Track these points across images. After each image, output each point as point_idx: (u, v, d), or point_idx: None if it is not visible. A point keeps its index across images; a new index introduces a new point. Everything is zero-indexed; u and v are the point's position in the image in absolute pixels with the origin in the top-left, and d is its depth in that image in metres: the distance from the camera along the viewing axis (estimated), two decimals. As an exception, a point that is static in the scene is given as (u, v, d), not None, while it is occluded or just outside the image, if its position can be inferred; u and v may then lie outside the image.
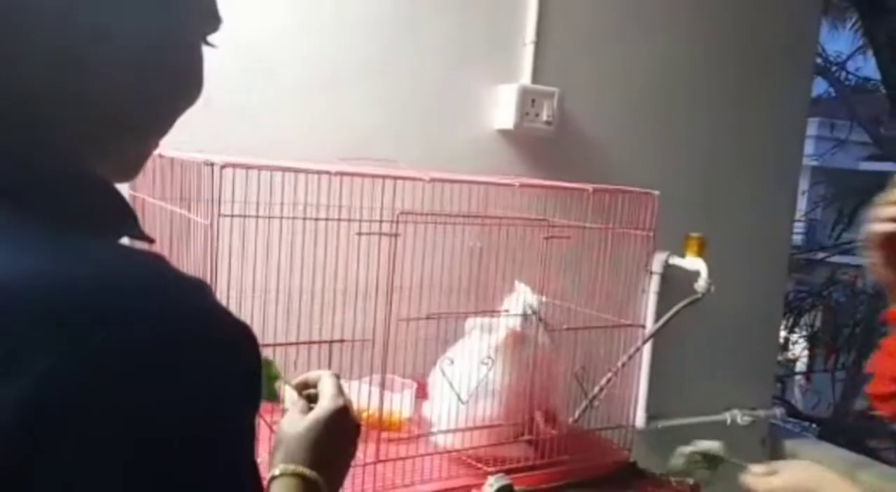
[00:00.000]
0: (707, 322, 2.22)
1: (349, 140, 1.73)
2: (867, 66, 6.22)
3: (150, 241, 0.62)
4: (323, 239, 1.28)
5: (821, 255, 6.35)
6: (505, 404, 1.41)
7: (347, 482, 1.25)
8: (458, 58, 1.91)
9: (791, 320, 5.42)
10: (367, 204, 1.28)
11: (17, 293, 0.46)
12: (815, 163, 9.33)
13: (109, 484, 0.45)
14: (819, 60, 5.59)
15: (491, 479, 1.33)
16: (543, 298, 1.45)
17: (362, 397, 1.37)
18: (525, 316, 1.43)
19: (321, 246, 1.28)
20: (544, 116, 1.97)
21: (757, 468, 1.18)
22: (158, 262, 0.52)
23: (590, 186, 1.51)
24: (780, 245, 2.62)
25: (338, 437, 0.81)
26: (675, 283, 2.09)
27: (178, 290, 0.51)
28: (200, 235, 1.15)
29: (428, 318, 1.34)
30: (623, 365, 1.64)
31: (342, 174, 1.24)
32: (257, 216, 1.18)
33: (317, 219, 1.25)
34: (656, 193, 1.57)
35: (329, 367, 1.21)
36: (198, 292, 0.52)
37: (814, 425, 5.08)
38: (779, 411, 2.66)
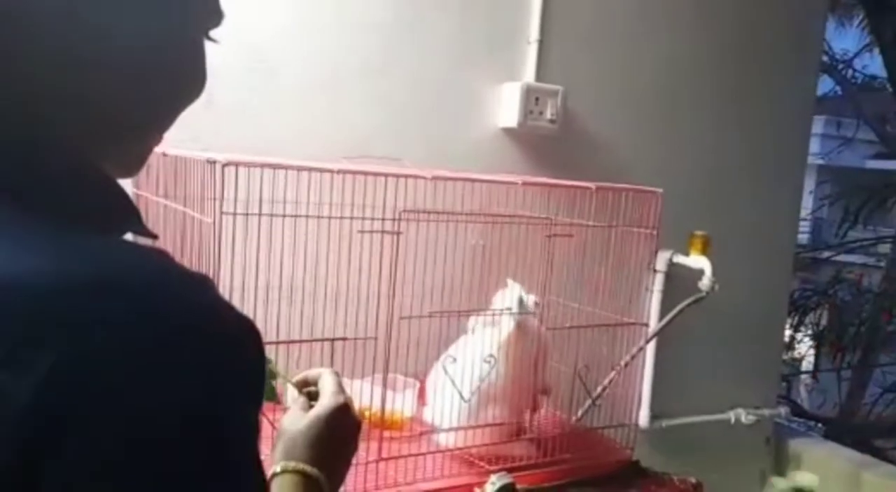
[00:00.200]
0: (711, 321, 2.21)
1: (353, 139, 1.73)
2: (874, 64, 6.19)
3: (154, 237, 0.61)
4: (325, 237, 1.28)
5: (826, 253, 6.33)
6: (507, 402, 1.41)
7: (350, 480, 1.25)
8: (462, 56, 1.91)
9: (796, 319, 5.40)
10: (370, 202, 1.28)
11: (18, 291, 0.46)
12: (821, 161, 9.29)
13: (112, 484, 0.45)
14: (825, 58, 5.57)
15: (493, 477, 1.33)
16: (533, 297, 1.45)
17: (364, 395, 1.37)
18: (524, 312, 1.43)
19: (323, 244, 1.29)
20: (548, 115, 1.97)
21: None
22: (162, 258, 0.52)
23: (593, 185, 1.51)
24: (785, 243, 2.62)
25: (339, 434, 0.81)
26: (679, 281, 2.08)
27: (181, 286, 0.51)
28: (204, 233, 1.16)
29: (430, 316, 1.34)
30: (626, 364, 1.64)
31: (344, 172, 1.24)
32: (260, 214, 1.18)
33: (319, 217, 1.25)
34: (660, 191, 1.56)
35: (331, 365, 1.21)
36: (201, 288, 0.52)
37: (819, 425, 5.07)
38: (783, 410, 2.65)
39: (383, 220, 1.23)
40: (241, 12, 1.64)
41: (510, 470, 1.37)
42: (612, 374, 1.64)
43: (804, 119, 2.58)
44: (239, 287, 1.20)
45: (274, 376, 0.91)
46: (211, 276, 1.11)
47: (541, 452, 1.45)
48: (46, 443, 0.44)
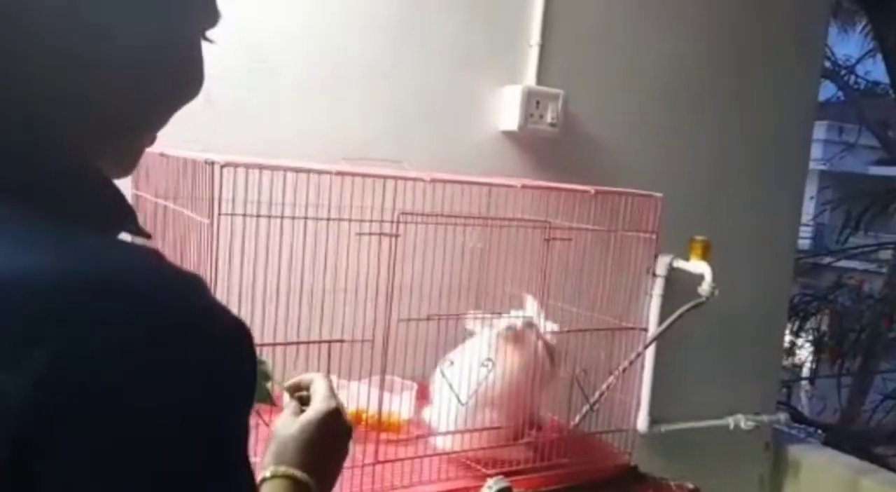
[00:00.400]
0: (711, 326, 2.21)
1: (353, 141, 1.73)
2: (876, 70, 6.19)
3: (148, 236, 0.61)
4: (324, 239, 1.28)
5: (827, 259, 6.33)
6: (505, 406, 1.41)
7: (346, 483, 1.25)
8: (463, 59, 1.91)
9: (796, 324, 5.39)
10: (369, 204, 1.28)
11: (18, 290, 0.46)
12: (823, 167, 9.29)
13: (111, 484, 0.45)
14: (828, 64, 5.56)
15: (490, 481, 1.33)
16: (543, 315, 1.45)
17: (362, 397, 1.37)
18: (525, 317, 1.43)
19: (322, 246, 1.28)
20: (549, 118, 1.97)
21: None
22: (156, 258, 0.52)
23: (592, 188, 1.51)
24: (786, 249, 2.61)
25: (330, 439, 0.80)
26: (679, 286, 2.08)
27: (177, 287, 0.51)
28: (201, 234, 1.15)
29: (428, 319, 1.33)
30: (624, 369, 1.63)
31: (343, 174, 1.24)
32: (258, 216, 1.18)
33: (317, 219, 1.25)
34: (659, 195, 1.56)
35: (329, 367, 1.20)
36: (196, 289, 0.52)
37: (819, 431, 5.06)
38: (783, 416, 2.64)
39: (381, 222, 1.23)
40: (241, 12, 1.64)
41: (507, 474, 1.36)
42: (611, 379, 1.63)
43: (805, 124, 2.57)
44: (236, 288, 1.20)
45: (268, 377, 0.91)
46: (208, 277, 1.11)
47: (538, 456, 1.45)
48: (44, 443, 0.43)
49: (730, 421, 2.39)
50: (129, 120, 0.59)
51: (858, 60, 6.34)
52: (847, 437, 4.75)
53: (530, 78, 1.97)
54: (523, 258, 1.53)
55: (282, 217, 1.21)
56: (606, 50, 2.11)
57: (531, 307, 1.45)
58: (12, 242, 0.49)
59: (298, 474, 0.75)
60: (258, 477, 0.75)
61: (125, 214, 0.59)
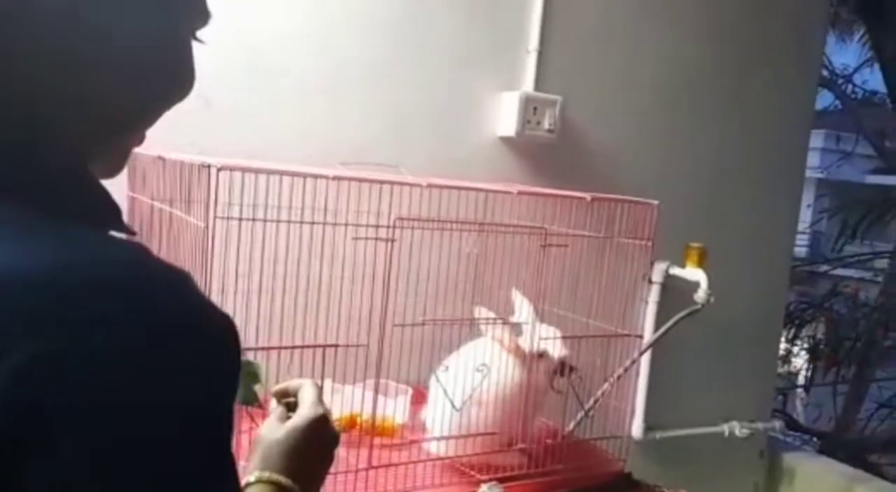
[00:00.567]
0: (707, 333, 2.21)
1: (351, 145, 1.73)
2: (874, 79, 6.21)
3: (133, 233, 0.62)
4: (319, 243, 1.28)
5: (824, 267, 6.33)
6: (499, 412, 1.40)
7: (339, 488, 1.25)
8: (461, 65, 1.91)
9: (792, 332, 5.40)
10: (365, 209, 1.28)
11: (18, 290, 0.46)
12: (820, 175, 9.31)
13: (111, 485, 0.45)
14: (825, 73, 5.58)
15: (484, 487, 1.33)
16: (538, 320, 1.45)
17: (356, 401, 1.37)
18: (520, 323, 1.43)
19: (317, 250, 1.28)
20: (546, 124, 1.97)
21: None
22: (146, 254, 0.53)
23: (588, 195, 1.51)
24: (782, 256, 2.62)
25: (316, 445, 0.80)
26: (675, 293, 2.08)
27: (173, 285, 0.51)
28: (196, 238, 1.15)
29: (423, 324, 1.33)
30: (619, 377, 1.63)
31: (339, 179, 1.24)
32: (253, 219, 1.18)
33: (313, 223, 1.25)
34: (656, 202, 1.56)
35: (323, 371, 1.20)
36: (188, 286, 0.52)
37: (814, 439, 5.06)
38: (778, 423, 2.64)
39: (377, 227, 1.23)
40: (240, 14, 1.64)
41: (501, 480, 1.36)
42: (606, 385, 1.63)
43: (803, 132, 2.58)
44: (231, 292, 1.20)
45: (257, 379, 0.90)
46: (204, 280, 1.11)
47: (532, 462, 1.45)
48: (43, 443, 0.43)
49: (725, 428, 2.39)
50: (125, 119, 0.60)
51: (856, 70, 6.36)
52: (842, 445, 4.75)
53: (528, 84, 1.97)
54: (519, 264, 1.53)
55: (277, 221, 1.21)
56: (604, 57, 2.11)
57: (526, 311, 1.45)
58: (12, 241, 0.49)
59: (283, 480, 0.74)
60: (242, 481, 0.74)
61: (115, 213, 0.59)
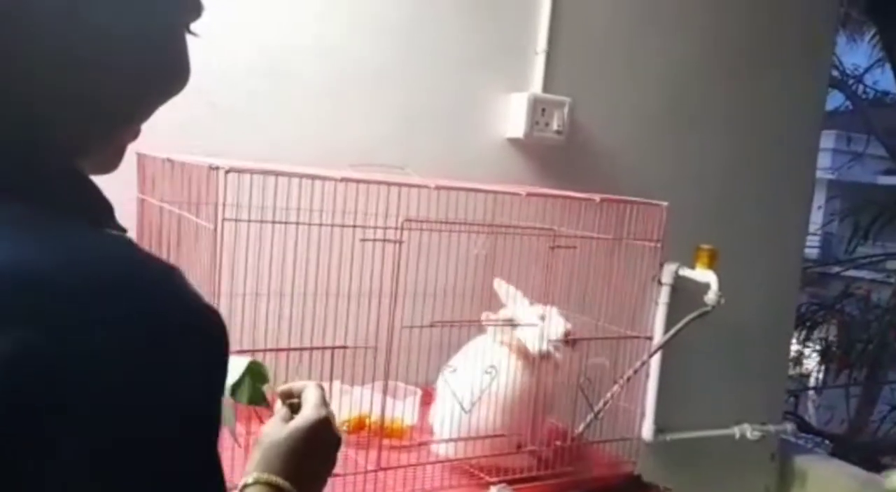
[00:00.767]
0: (717, 335, 2.20)
1: (360, 146, 1.73)
2: (885, 80, 6.18)
3: (124, 231, 0.61)
4: (327, 245, 1.28)
5: (835, 269, 6.30)
6: (508, 414, 1.40)
7: (349, 489, 1.25)
8: (470, 66, 1.91)
9: (804, 334, 5.37)
10: (373, 210, 1.28)
11: (19, 289, 0.46)
12: (831, 176, 9.26)
13: (111, 484, 0.45)
14: (836, 73, 5.55)
15: (493, 489, 1.33)
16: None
17: (365, 403, 1.37)
18: (526, 324, 1.42)
19: (325, 252, 1.28)
20: (555, 126, 1.97)
21: None
22: (139, 251, 0.53)
23: (597, 196, 1.50)
24: (793, 258, 2.60)
25: (317, 448, 0.79)
26: (685, 294, 2.07)
27: (170, 284, 0.51)
28: (205, 240, 1.15)
29: (432, 325, 1.33)
30: (628, 379, 1.63)
31: (347, 180, 1.24)
32: (261, 221, 1.18)
33: (321, 225, 1.25)
34: (665, 203, 1.56)
35: (332, 373, 1.20)
36: (183, 284, 0.52)
37: (826, 441, 5.02)
38: (789, 426, 2.63)
39: (385, 229, 1.23)
40: (248, 18, 1.64)
41: (510, 482, 1.36)
42: (615, 387, 1.63)
43: (813, 133, 2.57)
44: (240, 294, 1.20)
45: (265, 380, 0.90)
46: (212, 282, 1.12)
47: (541, 464, 1.44)
48: (38, 442, 0.43)
49: (735, 431, 2.37)
50: (122, 115, 0.60)
51: (867, 70, 6.33)
52: (854, 448, 4.71)
53: (536, 85, 1.97)
54: (528, 266, 1.52)
55: (285, 223, 1.21)
56: (612, 58, 2.11)
57: (517, 300, 1.45)
58: (12, 241, 0.49)
59: (281, 481, 0.74)
60: (241, 482, 0.75)
61: (107, 210, 0.59)
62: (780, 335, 2.65)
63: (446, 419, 1.39)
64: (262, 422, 1.00)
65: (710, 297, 1.93)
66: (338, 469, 1.24)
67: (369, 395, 1.35)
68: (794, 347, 4.97)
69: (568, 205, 1.58)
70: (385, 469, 1.29)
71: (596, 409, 1.59)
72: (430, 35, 1.85)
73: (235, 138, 1.62)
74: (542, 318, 1.45)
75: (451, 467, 1.39)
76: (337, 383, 1.30)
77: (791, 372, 4.51)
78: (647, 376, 2.09)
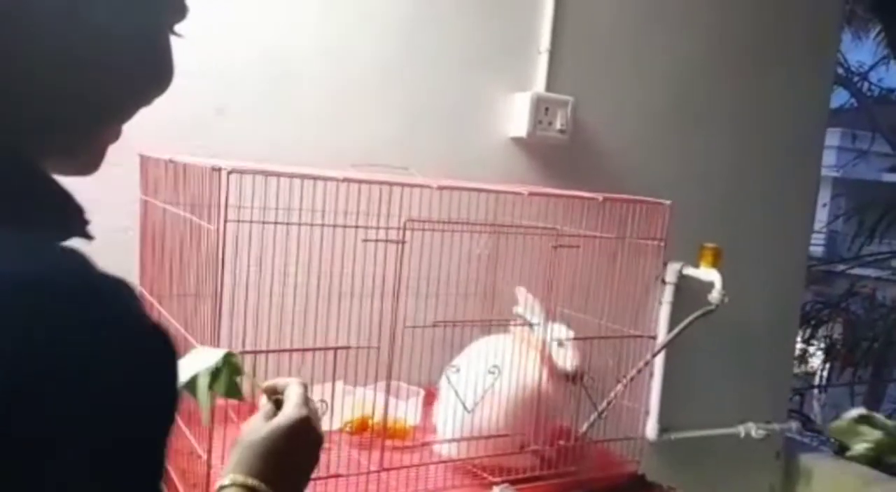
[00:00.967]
0: (722, 333, 2.19)
1: (363, 147, 1.73)
2: (890, 77, 6.17)
3: (90, 238, 0.61)
4: (330, 245, 1.28)
5: (841, 267, 6.28)
6: (511, 414, 1.40)
7: (352, 490, 1.24)
8: (473, 66, 1.91)
9: (808, 332, 5.36)
10: (376, 211, 1.27)
11: None
12: (836, 174, 9.24)
13: (109, 485, 0.46)
14: (841, 71, 5.54)
15: (496, 489, 1.32)
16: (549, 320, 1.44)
17: (368, 403, 1.37)
18: (531, 323, 1.42)
19: (327, 252, 1.28)
20: (558, 125, 1.96)
21: None
22: (85, 263, 0.52)
23: (600, 195, 1.50)
24: (798, 256, 2.60)
25: (296, 449, 0.78)
26: (689, 293, 2.07)
27: (132, 296, 0.51)
28: (208, 241, 1.16)
29: (434, 325, 1.33)
30: (632, 378, 1.62)
31: (349, 181, 1.24)
32: (263, 222, 1.18)
33: (324, 225, 1.25)
34: (668, 202, 1.55)
35: (334, 373, 1.20)
36: (124, 299, 0.52)
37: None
38: (794, 424, 2.62)
39: (388, 229, 1.23)
40: (251, 19, 1.64)
41: (513, 482, 1.35)
42: (619, 386, 1.62)
43: (818, 131, 2.56)
44: (243, 295, 1.20)
45: (239, 372, 0.89)
46: (214, 283, 1.12)
47: (545, 464, 1.44)
48: (38, 442, 0.44)
49: (740, 429, 2.37)
50: (105, 117, 0.60)
51: (872, 67, 6.32)
52: (860, 446, 4.69)
53: (540, 84, 1.97)
54: (531, 265, 1.52)
55: (287, 223, 1.21)
56: (616, 57, 2.10)
57: (535, 310, 1.44)
58: None
59: (256, 483, 0.73)
60: (217, 483, 0.74)
61: (75, 217, 0.59)
62: (785, 334, 2.64)
63: (449, 419, 1.39)
64: (238, 418, 0.99)
65: (714, 295, 1.92)
66: (341, 470, 1.25)
67: (372, 395, 1.35)
68: (799, 345, 4.96)
69: (571, 204, 1.58)
70: (388, 470, 1.29)
71: (600, 408, 1.59)
72: (433, 34, 1.84)
73: (238, 140, 1.62)
74: (560, 344, 1.45)
75: (454, 468, 1.39)
76: (339, 384, 1.30)
77: (796, 370, 4.50)
78: (651, 375, 2.08)
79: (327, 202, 1.29)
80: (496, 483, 1.34)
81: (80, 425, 0.46)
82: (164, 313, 1.30)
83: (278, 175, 1.20)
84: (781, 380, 2.65)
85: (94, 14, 0.54)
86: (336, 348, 1.21)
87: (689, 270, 2.05)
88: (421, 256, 1.35)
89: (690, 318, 1.95)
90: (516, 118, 1.95)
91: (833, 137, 8.73)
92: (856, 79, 6.26)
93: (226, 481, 0.74)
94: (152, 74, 0.61)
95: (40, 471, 0.44)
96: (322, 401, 1.18)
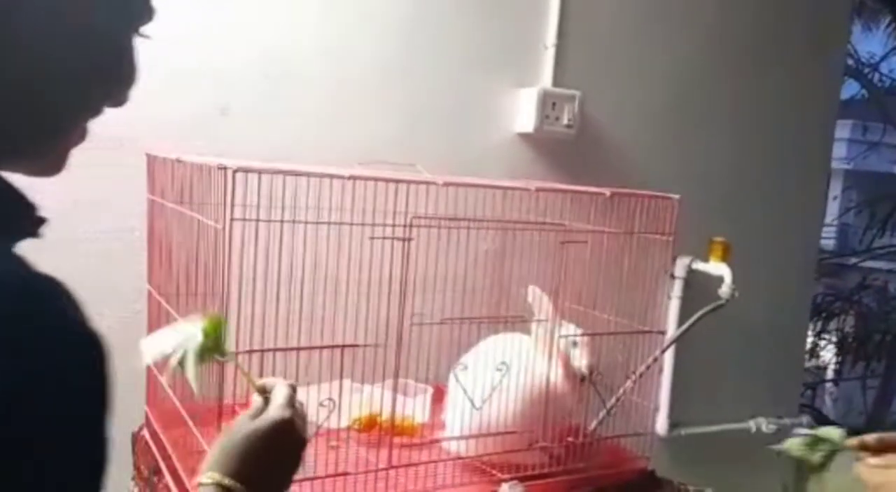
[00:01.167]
0: (732, 328, 2.18)
1: (369, 144, 1.72)
2: (901, 69, 6.12)
3: (36, 236, 0.60)
4: (336, 243, 1.28)
5: (852, 260, 6.24)
6: (520, 411, 1.39)
7: (360, 487, 1.24)
8: (479, 61, 1.90)
9: (820, 325, 5.33)
10: (382, 208, 1.27)
11: None
12: (847, 166, 9.18)
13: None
14: (851, 62, 5.50)
15: (505, 486, 1.32)
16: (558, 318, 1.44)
17: (376, 401, 1.36)
18: (538, 320, 1.41)
19: (333, 250, 1.28)
20: (565, 120, 1.95)
21: (873, 461, 1.11)
22: (19, 262, 0.53)
23: (608, 190, 1.49)
24: (808, 249, 2.58)
25: (276, 450, 0.78)
26: (698, 287, 2.06)
27: (44, 296, 0.51)
28: (215, 239, 1.15)
29: (442, 322, 1.33)
30: (641, 374, 1.61)
31: (355, 178, 1.24)
32: (269, 221, 1.17)
33: (329, 223, 1.25)
34: (676, 196, 1.54)
35: (342, 371, 1.20)
36: (58, 296, 0.52)
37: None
38: (806, 418, 2.61)
39: (394, 226, 1.22)
40: (253, 19, 1.64)
41: (522, 479, 1.35)
42: (628, 383, 1.62)
43: (827, 123, 2.54)
44: (250, 293, 1.20)
45: (223, 328, 0.87)
46: (220, 281, 1.12)
47: (554, 461, 1.43)
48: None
49: (751, 425, 2.36)
50: (70, 119, 0.60)
51: (882, 58, 6.27)
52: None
53: (546, 79, 1.96)
54: (539, 262, 1.51)
55: (294, 222, 1.21)
56: (623, 50, 2.09)
57: (546, 309, 1.44)
58: None
59: (233, 484, 0.73)
60: (195, 479, 0.74)
61: (24, 215, 0.59)
62: (796, 328, 2.63)
63: (458, 417, 1.39)
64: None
65: (724, 290, 1.92)
66: (349, 468, 1.25)
67: (380, 393, 1.35)
68: (810, 338, 4.94)
69: (579, 199, 1.57)
70: (396, 467, 1.29)
71: (609, 405, 1.58)
72: (438, 31, 1.84)
73: (244, 139, 1.62)
74: (575, 344, 1.44)
75: (463, 465, 1.39)
76: (347, 382, 1.30)
77: (807, 364, 4.48)
78: (661, 370, 2.08)
79: (333, 200, 1.29)
80: (505, 480, 1.33)
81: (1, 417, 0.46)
82: (172, 312, 1.30)
83: (284, 173, 1.20)
84: (792, 374, 2.63)
85: (56, 17, 0.54)
86: (343, 346, 1.20)
87: (699, 265, 2.04)
88: (427, 254, 1.34)
89: (700, 313, 1.94)
90: (523, 114, 1.94)
91: (844, 129, 8.68)
92: (866, 70, 6.22)
93: (204, 479, 0.73)
94: (116, 76, 0.61)
95: None
96: (329, 399, 1.19)
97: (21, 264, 0.52)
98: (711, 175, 2.26)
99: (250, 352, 1.12)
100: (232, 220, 1.11)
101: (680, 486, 1.55)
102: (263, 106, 1.66)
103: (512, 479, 1.34)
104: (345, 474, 1.24)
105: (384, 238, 1.22)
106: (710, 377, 2.30)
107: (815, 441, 1.20)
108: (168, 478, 1.27)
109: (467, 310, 1.51)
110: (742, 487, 2.10)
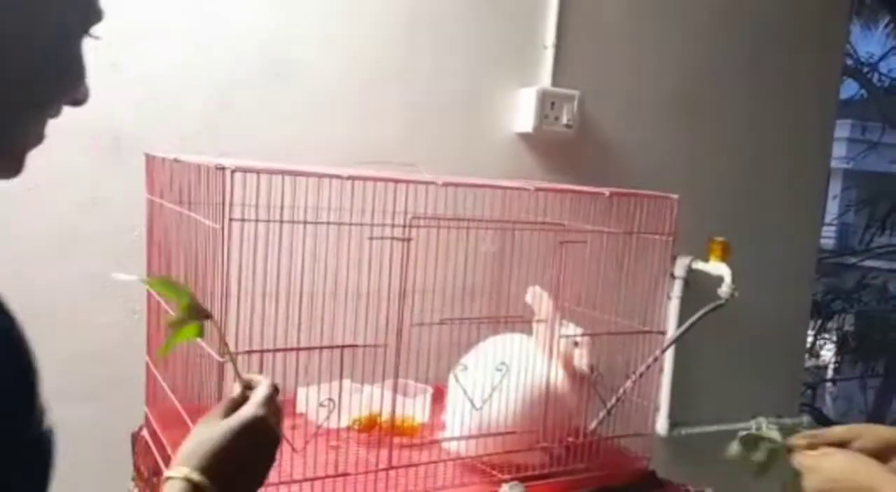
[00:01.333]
0: (732, 328, 2.18)
1: (369, 144, 1.72)
2: (900, 68, 6.12)
3: None
4: (335, 243, 1.27)
5: (852, 259, 6.25)
6: (520, 411, 1.39)
7: (360, 488, 1.24)
8: (479, 61, 1.90)
9: (819, 324, 5.33)
10: (381, 208, 1.27)
11: None
12: (846, 166, 9.18)
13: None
14: (850, 62, 5.50)
15: (505, 487, 1.32)
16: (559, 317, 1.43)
17: (375, 401, 1.36)
18: (538, 320, 1.41)
19: (333, 250, 1.28)
20: (564, 119, 1.95)
21: (811, 451, 1.11)
22: None
23: (607, 190, 1.49)
24: (808, 249, 2.58)
25: (247, 448, 0.78)
26: (698, 287, 2.06)
27: None
28: (214, 240, 1.15)
29: (441, 323, 1.32)
30: (641, 374, 1.61)
31: (354, 178, 1.23)
32: (269, 221, 1.17)
33: (328, 223, 1.25)
34: (675, 196, 1.54)
35: (341, 372, 1.20)
36: None
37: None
38: (806, 418, 2.60)
39: (393, 226, 1.22)
40: (255, 18, 1.64)
41: (522, 479, 1.35)
42: (628, 383, 1.61)
43: (826, 122, 2.54)
44: (249, 293, 1.20)
45: (193, 314, 0.87)
46: (218, 281, 1.11)
47: (554, 461, 1.43)
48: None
49: (752, 424, 2.35)
50: (20, 121, 0.60)
51: (881, 58, 6.27)
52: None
53: (545, 79, 1.96)
54: (538, 262, 1.51)
55: (293, 222, 1.21)
56: (622, 50, 2.09)
57: (546, 309, 1.44)
58: None
59: (202, 480, 0.73)
60: (166, 472, 0.74)
61: None
62: (796, 327, 2.63)
63: (458, 417, 1.39)
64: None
65: (724, 290, 1.91)
66: (349, 468, 1.25)
67: (380, 393, 1.34)
68: (810, 337, 4.94)
69: (578, 199, 1.57)
70: (396, 468, 1.29)
71: (609, 405, 1.58)
72: (439, 31, 1.84)
73: (243, 138, 1.62)
74: (577, 344, 1.44)
75: (463, 465, 1.38)
76: (347, 382, 1.30)
77: (807, 363, 4.48)
78: (661, 370, 2.07)
79: (332, 200, 1.28)
80: (505, 481, 1.33)
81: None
82: (172, 312, 1.30)
83: (283, 173, 1.20)
84: (792, 374, 2.63)
85: (17, 22, 0.55)
86: (343, 347, 1.20)
87: (699, 265, 2.04)
88: (427, 254, 1.34)
89: (700, 313, 1.94)
90: (522, 113, 1.94)
91: (843, 129, 8.69)
92: (865, 70, 6.22)
93: (173, 474, 0.73)
94: (66, 78, 0.61)
95: None
96: (329, 399, 1.19)
97: None
98: (711, 175, 2.26)
99: (250, 352, 1.12)
100: (231, 220, 1.11)
101: (680, 486, 1.55)
102: (263, 106, 1.66)
103: (512, 479, 1.34)
104: (345, 474, 1.23)
105: (384, 238, 1.21)
106: (710, 377, 2.29)
107: (756, 441, 1.22)
108: (167, 479, 1.27)
109: (467, 310, 1.51)
110: (742, 487, 2.10)
